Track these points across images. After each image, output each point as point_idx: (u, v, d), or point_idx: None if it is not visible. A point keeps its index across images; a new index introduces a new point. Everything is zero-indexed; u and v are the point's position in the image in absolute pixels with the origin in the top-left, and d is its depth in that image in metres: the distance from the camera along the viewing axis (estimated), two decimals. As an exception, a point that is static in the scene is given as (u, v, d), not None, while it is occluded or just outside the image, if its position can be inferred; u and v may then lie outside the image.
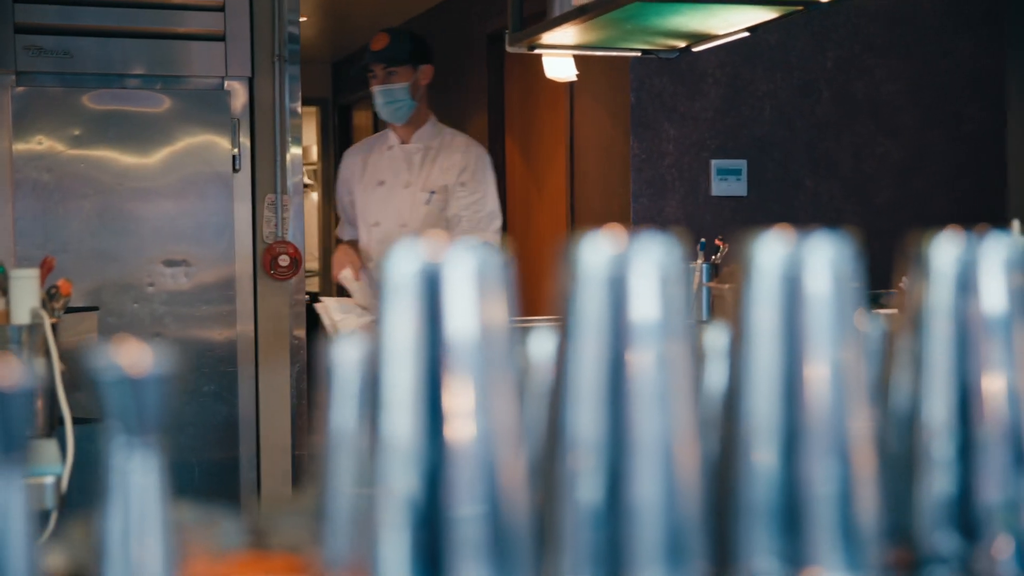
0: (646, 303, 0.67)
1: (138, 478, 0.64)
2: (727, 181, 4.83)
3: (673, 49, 3.53)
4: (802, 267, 0.68)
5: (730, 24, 3.15)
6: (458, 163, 3.88)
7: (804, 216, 4.94)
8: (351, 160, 4.07)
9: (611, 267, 0.67)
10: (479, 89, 6.51)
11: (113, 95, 4.06)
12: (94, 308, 3.66)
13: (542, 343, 0.80)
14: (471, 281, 0.65)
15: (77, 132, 4.00)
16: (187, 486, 3.88)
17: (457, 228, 3.81)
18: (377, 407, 0.65)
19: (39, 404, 2.41)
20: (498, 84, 6.40)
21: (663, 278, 0.67)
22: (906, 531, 0.72)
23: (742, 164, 4.85)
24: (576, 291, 0.68)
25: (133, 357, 0.64)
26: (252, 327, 4.15)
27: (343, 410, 0.72)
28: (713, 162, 4.83)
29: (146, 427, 0.64)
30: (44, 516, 2.04)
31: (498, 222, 3.91)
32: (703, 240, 3.73)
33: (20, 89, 3.94)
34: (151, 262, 4.06)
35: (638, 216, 4.78)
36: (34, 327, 2.39)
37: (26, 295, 2.37)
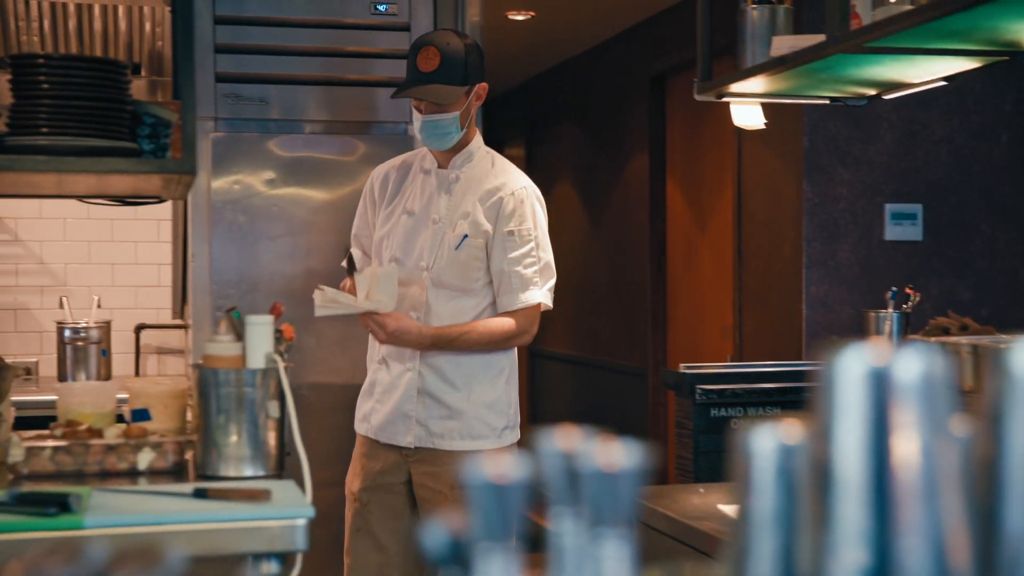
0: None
1: (611, 565, 0.70)
2: (902, 226, 4.80)
3: (862, 97, 3.53)
4: None
5: (930, 73, 3.14)
6: (503, 207, 3.25)
7: (981, 262, 4.87)
8: (380, 176, 3.51)
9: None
10: (640, 130, 6.56)
11: (304, 140, 4.22)
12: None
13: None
14: (918, 383, 0.70)
15: (270, 175, 4.16)
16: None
17: (504, 286, 3.24)
18: (827, 492, 0.71)
19: (273, 443, 2.52)
20: (660, 125, 6.45)
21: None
22: None
23: (917, 208, 4.81)
24: (1009, 397, 0.72)
25: (608, 453, 0.70)
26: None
27: (763, 492, 0.77)
28: (887, 206, 4.80)
29: (620, 518, 0.70)
30: (291, 559, 2.13)
31: (553, 279, 3.30)
32: (894, 289, 3.72)
33: (218, 134, 4.11)
34: (336, 301, 4.18)
35: (810, 260, 4.77)
36: (267, 371, 2.50)
37: (261, 340, 2.48)
